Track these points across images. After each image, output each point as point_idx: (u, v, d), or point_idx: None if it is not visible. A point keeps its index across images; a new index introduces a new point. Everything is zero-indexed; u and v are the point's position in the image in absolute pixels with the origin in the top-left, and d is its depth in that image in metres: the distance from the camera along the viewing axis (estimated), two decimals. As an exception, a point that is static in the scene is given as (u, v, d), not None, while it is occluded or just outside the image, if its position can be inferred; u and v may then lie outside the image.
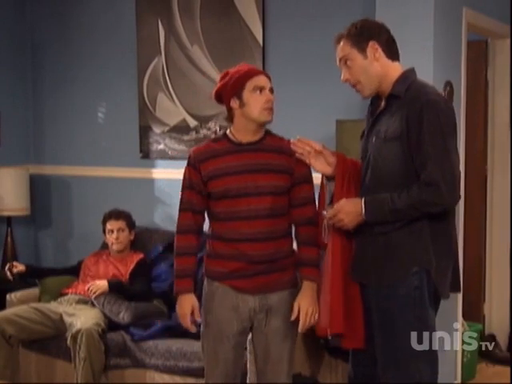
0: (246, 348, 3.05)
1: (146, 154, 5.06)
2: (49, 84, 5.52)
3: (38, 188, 5.53)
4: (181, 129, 4.87)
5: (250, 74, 2.89)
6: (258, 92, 2.87)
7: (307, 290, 2.94)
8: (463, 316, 4.29)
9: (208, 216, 2.99)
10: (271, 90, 2.92)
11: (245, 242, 2.87)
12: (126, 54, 5.09)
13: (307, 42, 4.38)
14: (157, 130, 4.98)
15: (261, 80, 2.90)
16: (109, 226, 4.51)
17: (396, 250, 2.67)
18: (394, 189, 2.65)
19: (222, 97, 2.95)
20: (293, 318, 2.92)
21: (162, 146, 4.95)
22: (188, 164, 2.95)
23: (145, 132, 5.03)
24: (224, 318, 2.92)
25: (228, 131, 2.98)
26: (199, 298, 3.00)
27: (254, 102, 2.86)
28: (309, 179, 2.99)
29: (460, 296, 4.17)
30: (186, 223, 2.95)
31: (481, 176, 5.08)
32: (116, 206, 4.66)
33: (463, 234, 4.22)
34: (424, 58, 3.69)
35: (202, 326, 3.00)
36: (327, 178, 2.91)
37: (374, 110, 2.82)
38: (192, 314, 2.94)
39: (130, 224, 4.55)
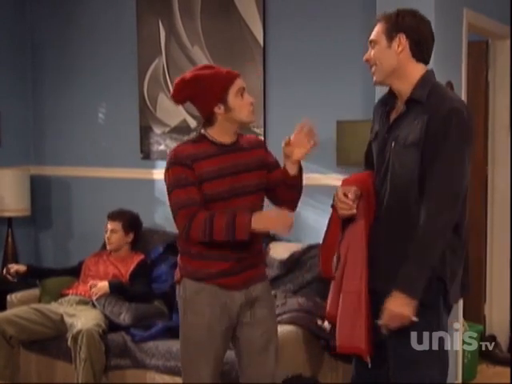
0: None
1: (146, 155, 5.06)
2: (49, 84, 5.52)
3: (39, 189, 5.53)
4: (181, 129, 4.87)
5: (230, 79, 2.89)
6: (240, 96, 2.89)
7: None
8: (464, 317, 4.29)
9: None
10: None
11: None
12: (127, 54, 5.09)
13: (307, 43, 4.38)
14: (157, 130, 4.98)
15: (239, 83, 2.91)
16: (107, 225, 4.54)
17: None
18: (412, 195, 2.62)
19: (194, 102, 2.93)
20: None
21: (162, 147, 4.95)
22: (178, 164, 2.85)
23: (145, 132, 5.04)
24: (213, 316, 2.91)
25: (204, 132, 2.96)
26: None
27: (239, 106, 2.88)
28: (278, 163, 3.06)
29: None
30: (192, 214, 2.83)
31: (481, 177, 5.08)
32: (116, 207, 4.66)
33: (464, 235, 4.21)
34: (424, 58, 3.68)
35: (184, 328, 2.97)
36: None
37: (389, 110, 2.76)
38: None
39: (127, 226, 4.54)
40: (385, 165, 2.71)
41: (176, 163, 2.86)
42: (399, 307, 2.56)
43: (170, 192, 2.91)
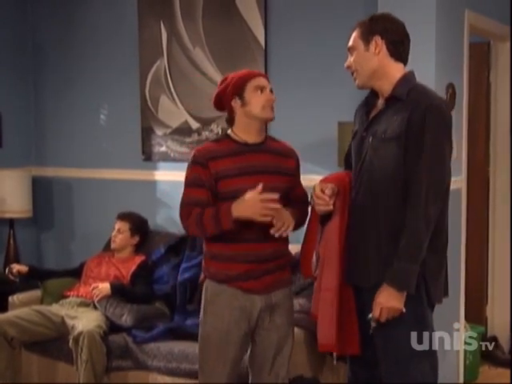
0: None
1: (148, 156, 5.06)
2: (50, 85, 5.52)
3: (40, 190, 5.53)
4: (183, 131, 4.87)
5: (250, 75, 2.98)
6: (259, 91, 2.94)
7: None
8: (466, 318, 4.29)
9: None
10: (271, 91, 3.00)
11: (254, 242, 2.90)
12: (128, 55, 5.09)
13: (309, 45, 4.38)
14: (159, 132, 4.98)
15: (261, 81, 2.98)
16: (115, 224, 4.57)
17: (392, 252, 2.67)
18: (389, 189, 2.67)
19: (222, 100, 3.00)
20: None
21: (164, 148, 4.95)
22: (195, 163, 2.92)
23: (147, 134, 5.04)
24: (232, 320, 2.93)
25: (229, 131, 3.01)
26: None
27: (256, 101, 2.93)
28: (299, 185, 3.11)
29: (462, 297, 4.17)
30: (193, 213, 2.88)
31: (483, 178, 5.08)
32: (118, 208, 4.69)
33: (465, 237, 4.21)
34: (426, 60, 3.69)
35: (203, 328, 3.01)
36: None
37: (369, 110, 2.83)
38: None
39: (134, 228, 4.57)
40: (361, 161, 2.77)
41: (193, 162, 2.95)
42: (390, 301, 2.62)
43: (184, 189, 2.98)
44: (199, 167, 2.90)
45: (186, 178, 2.96)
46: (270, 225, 2.85)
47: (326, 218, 2.86)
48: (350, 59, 2.80)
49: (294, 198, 3.04)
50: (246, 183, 2.87)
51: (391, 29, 2.74)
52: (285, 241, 3.02)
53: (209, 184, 2.90)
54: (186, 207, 2.92)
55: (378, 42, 2.72)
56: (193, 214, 2.88)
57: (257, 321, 2.98)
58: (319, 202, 2.80)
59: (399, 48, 2.75)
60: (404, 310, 2.63)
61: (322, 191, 2.79)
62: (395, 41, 2.74)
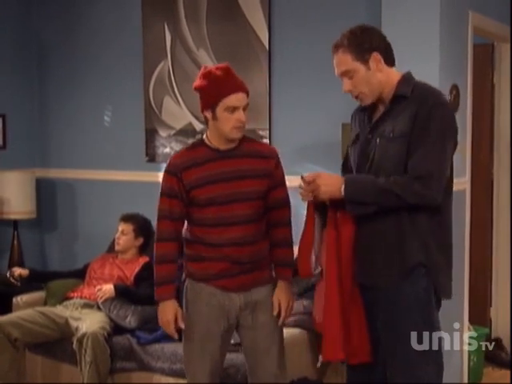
0: (232, 344, 3.16)
1: (151, 158, 5.06)
2: (55, 87, 5.53)
3: (44, 191, 5.54)
4: (187, 132, 4.87)
5: (225, 92, 2.86)
6: (230, 112, 2.86)
7: (284, 288, 3.05)
8: (470, 320, 4.29)
9: (189, 221, 3.01)
10: (245, 107, 2.91)
11: (230, 246, 2.93)
12: (133, 57, 5.10)
13: (313, 46, 4.38)
14: (163, 133, 4.99)
15: (235, 100, 2.87)
16: (119, 226, 4.56)
17: (403, 252, 2.67)
18: None
19: (199, 97, 2.97)
20: (274, 313, 3.01)
21: (167, 150, 4.95)
22: (168, 172, 2.96)
23: (151, 135, 5.04)
24: (212, 317, 2.97)
25: (205, 136, 3.02)
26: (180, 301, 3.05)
27: (225, 121, 2.88)
28: (284, 182, 3.07)
29: (466, 299, 4.17)
30: (166, 231, 2.97)
31: (487, 180, 5.07)
32: (121, 210, 4.68)
33: (469, 239, 4.21)
34: (430, 61, 3.69)
35: (186, 326, 3.02)
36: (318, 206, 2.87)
37: (370, 113, 2.83)
38: (175, 320, 2.97)
39: (138, 229, 4.56)
40: (368, 163, 2.76)
41: (167, 171, 2.98)
42: (329, 183, 2.69)
43: (159, 196, 3.01)
44: (173, 178, 2.94)
45: (162, 186, 2.99)
46: (248, 230, 2.93)
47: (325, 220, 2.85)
48: (350, 82, 2.75)
49: (273, 202, 3.03)
50: (220, 190, 2.90)
51: (378, 39, 2.74)
52: (263, 243, 3.04)
53: (180, 195, 2.94)
54: (163, 220, 2.97)
55: (377, 58, 2.71)
56: (167, 245, 2.97)
57: (237, 319, 3.01)
58: (300, 191, 2.80)
59: (389, 53, 2.77)
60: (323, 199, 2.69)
61: (303, 179, 2.77)
62: (386, 49, 2.75)
